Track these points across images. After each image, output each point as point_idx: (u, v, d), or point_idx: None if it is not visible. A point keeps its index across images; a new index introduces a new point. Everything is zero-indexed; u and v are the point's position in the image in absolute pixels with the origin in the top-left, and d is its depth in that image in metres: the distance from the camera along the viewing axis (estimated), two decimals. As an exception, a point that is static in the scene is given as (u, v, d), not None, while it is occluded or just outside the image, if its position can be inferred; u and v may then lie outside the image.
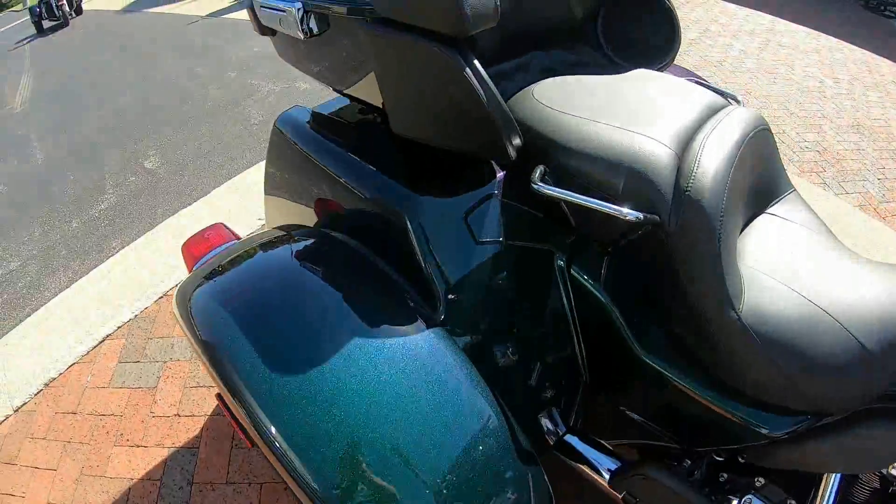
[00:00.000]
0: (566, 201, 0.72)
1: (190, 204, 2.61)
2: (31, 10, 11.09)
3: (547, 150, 0.75)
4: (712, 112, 0.79)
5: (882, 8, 6.31)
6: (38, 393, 1.76)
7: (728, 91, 1.00)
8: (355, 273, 0.79)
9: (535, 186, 0.71)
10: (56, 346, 1.92)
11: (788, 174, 0.87)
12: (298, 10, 0.88)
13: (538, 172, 0.73)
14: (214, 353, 0.68)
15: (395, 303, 0.75)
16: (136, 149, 3.57)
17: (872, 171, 2.66)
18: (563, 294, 0.83)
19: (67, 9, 10.99)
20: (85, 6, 11.94)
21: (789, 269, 0.70)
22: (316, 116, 1.08)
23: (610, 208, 0.66)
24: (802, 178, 2.53)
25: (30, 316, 2.16)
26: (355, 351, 0.67)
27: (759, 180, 0.80)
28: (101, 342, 1.89)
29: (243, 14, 6.84)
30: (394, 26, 0.71)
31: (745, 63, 3.80)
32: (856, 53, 4.38)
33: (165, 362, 1.76)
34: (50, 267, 2.51)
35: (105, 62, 6.77)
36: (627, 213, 0.65)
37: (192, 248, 0.95)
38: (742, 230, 0.78)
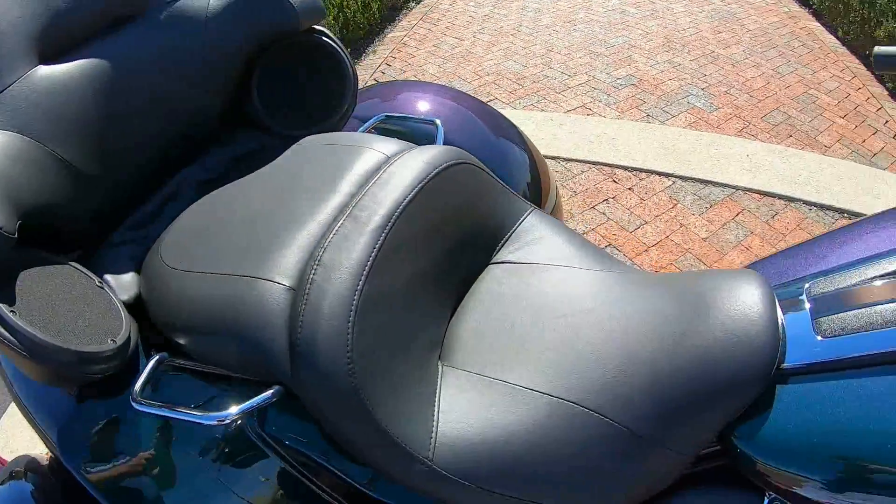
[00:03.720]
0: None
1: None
2: None
3: (165, 328, 0.60)
4: (364, 181, 0.62)
5: None
6: None
7: (428, 118, 0.88)
8: None
9: (133, 404, 0.54)
10: None
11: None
12: None
13: (144, 375, 0.55)
14: None
15: None
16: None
17: (693, 83, 2.65)
18: None
19: None
20: None
21: (511, 355, 0.56)
22: None
23: (202, 420, 0.50)
24: (624, 118, 2.38)
25: None
26: None
27: (470, 230, 0.66)
28: None
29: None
30: None
31: (542, 20, 3.70)
32: (651, -35, 4.41)
33: None
34: None
35: None
36: (218, 417, 0.49)
37: None
38: (456, 308, 0.64)
